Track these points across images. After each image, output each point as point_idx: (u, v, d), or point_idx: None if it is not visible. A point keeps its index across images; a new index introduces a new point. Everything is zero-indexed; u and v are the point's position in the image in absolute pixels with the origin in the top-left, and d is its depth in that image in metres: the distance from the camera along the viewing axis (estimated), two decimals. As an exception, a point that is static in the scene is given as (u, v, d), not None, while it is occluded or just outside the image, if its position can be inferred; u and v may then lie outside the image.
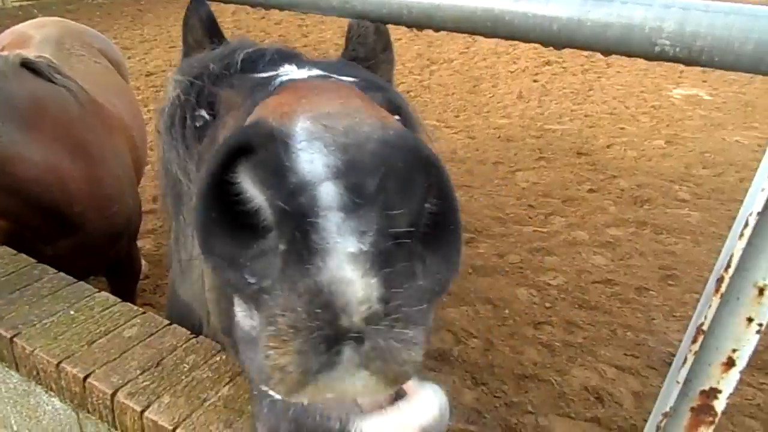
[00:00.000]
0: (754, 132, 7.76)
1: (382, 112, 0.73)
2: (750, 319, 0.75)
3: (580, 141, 7.35)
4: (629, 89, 9.36)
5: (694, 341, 0.77)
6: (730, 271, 0.73)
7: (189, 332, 1.71)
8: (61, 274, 2.00)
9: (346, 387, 0.66)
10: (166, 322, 1.76)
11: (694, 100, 9.02)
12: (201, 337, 1.69)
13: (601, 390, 3.55)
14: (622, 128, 7.80)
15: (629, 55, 0.66)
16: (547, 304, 4.35)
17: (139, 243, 3.66)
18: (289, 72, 1.12)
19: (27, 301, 1.84)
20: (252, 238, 0.65)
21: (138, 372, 1.56)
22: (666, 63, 0.69)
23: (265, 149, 0.63)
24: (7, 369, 1.79)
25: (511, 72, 10.09)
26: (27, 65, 2.63)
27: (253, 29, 11.50)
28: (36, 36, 3.47)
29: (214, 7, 1.56)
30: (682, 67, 0.68)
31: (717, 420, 0.80)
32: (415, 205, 0.63)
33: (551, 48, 0.73)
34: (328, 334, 0.62)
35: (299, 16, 11.90)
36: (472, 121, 7.87)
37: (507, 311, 4.25)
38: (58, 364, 1.59)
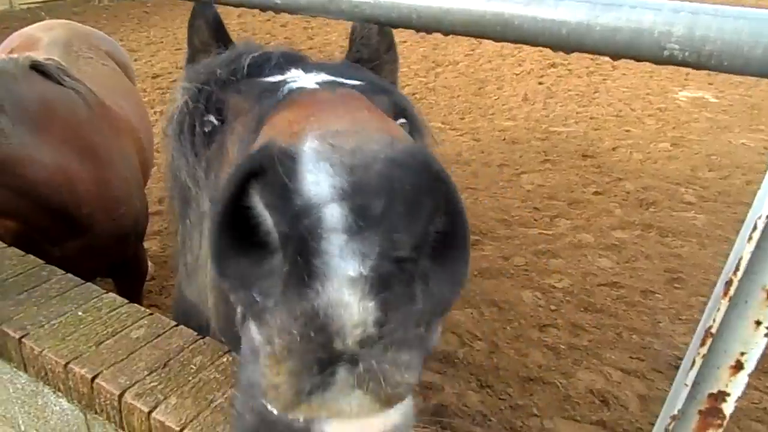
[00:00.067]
0: (761, 135, 7.72)
1: (391, 126, 0.72)
2: (758, 323, 0.75)
3: (586, 143, 7.33)
4: (635, 91, 9.34)
5: (702, 344, 0.77)
6: (739, 274, 0.73)
7: (196, 333, 1.72)
8: (69, 275, 2.01)
9: (340, 406, 0.66)
10: (173, 323, 1.77)
11: (700, 102, 9.00)
12: (208, 338, 1.70)
13: (607, 393, 3.54)
14: (627, 131, 7.78)
15: (638, 60, 0.67)
16: (553, 307, 4.34)
17: (145, 244, 3.68)
18: (296, 77, 1.12)
19: (35, 302, 1.85)
20: (263, 257, 0.66)
21: (145, 373, 1.56)
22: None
23: (273, 171, 0.63)
24: (15, 369, 1.80)
25: (517, 74, 10.09)
26: (36, 68, 2.66)
27: (259, 32, 11.54)
28: (44, 38, 3.49)
29: (219, 10, 1.57)
30: (688, 69, 0.68)
31: (725, 423, 0.80)
32: (420, 228, 0.62)
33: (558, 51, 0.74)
34: (322, 357, 0.63)
35: (305, 19, 11.93)
36: (477, 124, 7.87)
37: (512, 314, 4.25)
38: (66, 365, 1.60)
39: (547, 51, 0.73)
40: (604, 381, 3.64)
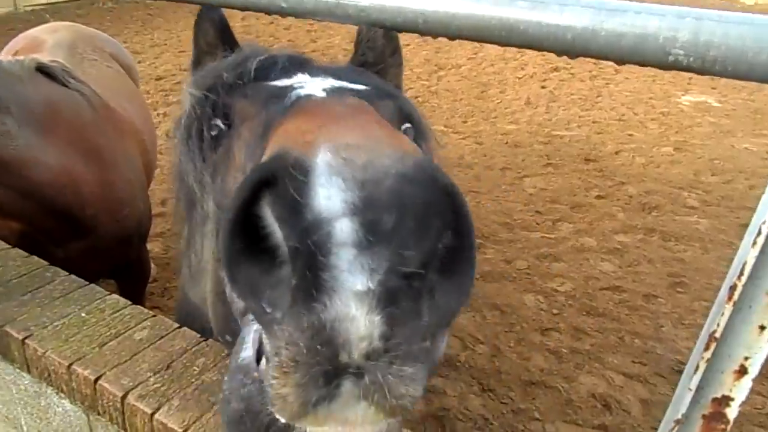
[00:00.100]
0: (764, 139, 7.72)
1: (402, 140, 0.73)
2: (762, 327, 0.75)
3: (588, 147, 7.33)
4: (638, 96, 9.34)
5: (706, 348, 0.77)
6: (743, 279, 0.73)
7: (199, 335, 1.72)
8: (73, 276, 2.02)
9: (345, 417, 0.68)
10: (176, 325, 1.78)
11: (703, 106, 8.99)
12: (211, 340, 1.70)
13: (609, 397, 3.53)
14: (630, 135, 7.78)
15: (643, 65, 0.67)
16: (555, 311, 4.34)
17: (148, 246, 3.68)
18: (303, 83, 1.13)
19: (39, 303, 1.86)
20: (272, 266, 0.67)
21: (148, 374, 1.57)
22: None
23: (285, 183, 0.64)
24: (18, 370, 1.80)
25: (519, 78, 10.10)
26: (42, 70, 2.67)
27: (263, 34, 11.57)
28: (49, 40, 3.51)
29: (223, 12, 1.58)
30: (690, 73, 0.68)
31: (729, 428, 0.80)
32: (429, 244, 0.63)
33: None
34: (328, 369, 0.64)
35: (308, 22, 11.94)
36: (479, 127, 7.87)
37: (514, 317, 4.24)
38: (69, 366, 1.60)
39: (550, 55, 0.74)
40: (606, 385, 3.64)
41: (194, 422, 1.42)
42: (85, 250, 2.74)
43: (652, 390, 3.61)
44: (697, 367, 0.79)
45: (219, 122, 1.20)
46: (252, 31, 11.54)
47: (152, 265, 4.16)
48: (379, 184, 0.62)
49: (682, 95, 9.46)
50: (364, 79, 1.28)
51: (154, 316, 1.82)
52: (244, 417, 0.81)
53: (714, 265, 4.88)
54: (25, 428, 1.96)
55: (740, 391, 0.78)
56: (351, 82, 1.22)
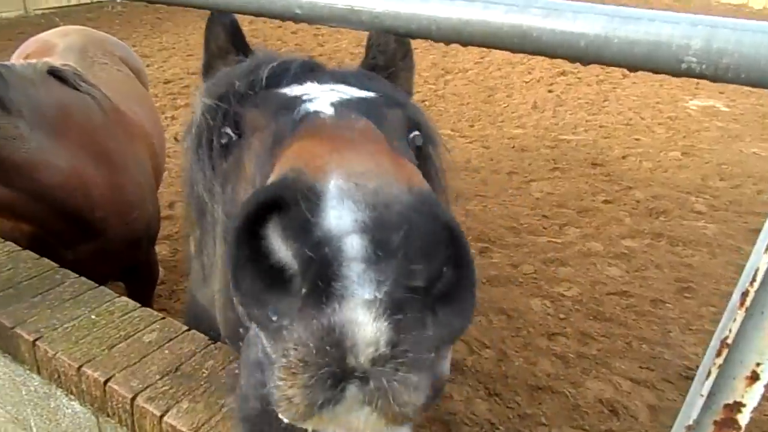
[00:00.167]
0: (772, 144, 7.68)
1: (409, 171, 0.77)
2: (774, 334, 0.75)
3: (595, 152, 7.31)
4: (645, 100, 9.31)
5: (718, 354, 0.77)
6: (755, 285, 0.73)
7: (207, 338, 1.73)
8: (83, 278, 2.03)
9: (349, 420, 0.70)
10: (185, 327, 1.78)
11: (710, 111, 8.96)
12: (219, 343, 1.71)
13: (616, 403, 3.52)
14: (637, 139, 7.75)
15: (656, 72, 0.67)
16: (561, 315, 4.32)
17: (156, 248, 3.70)
18: (312, 96, 1.13)
19: (49, 305, 1.87)
20: (278, 281, 0.70)
21: (157, 377, 1.58)
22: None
23: (297, 207, 0.67)
24: (28, 372, 1.81)
25: (526, 82, 10.09)
26: (53, 73, 2.69)
27: (270, 38, 11.61)
28: (60, 44, 3.54)
29: (230, 15, 1.58)
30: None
31: (740, 435, 0.80)
32: (434, 263, 0.67)
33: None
34: (335, 372, 0.66)
35: (315, 26, 11.97)
36: (486, 131, 7.87)
37: (521, 322, 4.23)
38: (78, 368, 1.61)
39: (557, 59, 0.74)
40: (613, 390, 3.62)
41: (203, 424, 1.43)
42: (94, 252, 2.76)
43: (659, 396, 3.59)
44: (709, 373, 0.79)
45: (229, 131, 1.21)
46: (260, 34, 11.59)
47: (160, 268, 4.18)
48: (389, 207, 0.66)
49: (690, 100, 9.43)
50: (373, 85, 1.28)
51: (163, 318, 1.83)
52: (262, 415, 0.82)
53: (722, 271, 4.85)
54: (34, 429, 1.97)
55: (752, 397, 0.78)
56: (361, 88, 1.23)
